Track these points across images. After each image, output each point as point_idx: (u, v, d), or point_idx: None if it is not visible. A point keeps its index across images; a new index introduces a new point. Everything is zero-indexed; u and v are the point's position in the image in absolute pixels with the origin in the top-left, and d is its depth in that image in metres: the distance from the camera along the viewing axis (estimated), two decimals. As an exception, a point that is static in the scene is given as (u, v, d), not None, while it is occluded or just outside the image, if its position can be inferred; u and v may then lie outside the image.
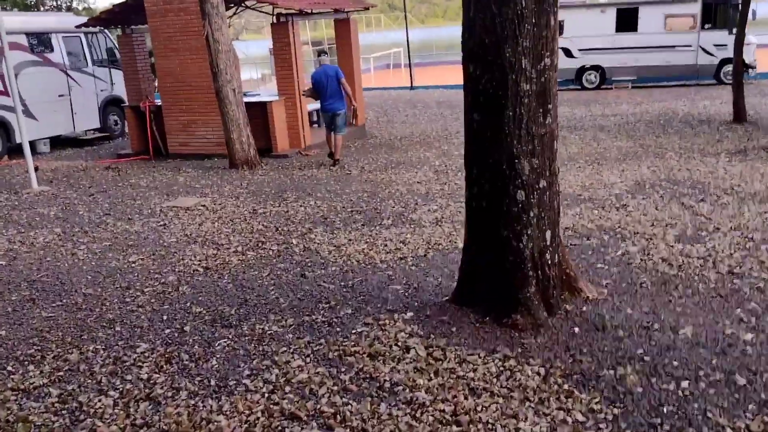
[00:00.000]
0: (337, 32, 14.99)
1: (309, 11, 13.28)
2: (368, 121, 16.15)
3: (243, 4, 13.19)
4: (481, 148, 4.43)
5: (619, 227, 6.69)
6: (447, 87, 25.70)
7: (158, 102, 13.62)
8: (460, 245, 6.31)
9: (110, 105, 16.42)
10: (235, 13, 14.33)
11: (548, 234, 4.54)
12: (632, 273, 5.42)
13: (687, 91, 20.06)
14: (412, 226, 7.25)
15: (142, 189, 10.17)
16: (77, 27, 15.11)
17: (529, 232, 4.41)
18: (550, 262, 4.55)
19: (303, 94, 12.46)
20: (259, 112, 12.67)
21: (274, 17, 12.64)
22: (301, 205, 8.53)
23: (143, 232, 7.66)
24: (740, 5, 13.32)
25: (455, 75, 30.39)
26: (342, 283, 5.55)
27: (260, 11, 13.47)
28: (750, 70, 20.47)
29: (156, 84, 14.29)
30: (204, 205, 8.80)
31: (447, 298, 4.96)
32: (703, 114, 15.25)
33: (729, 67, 20.51)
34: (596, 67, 21.69)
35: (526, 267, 4.43)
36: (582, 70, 21.80)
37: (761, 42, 21.85)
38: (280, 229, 7.44)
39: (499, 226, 4.43)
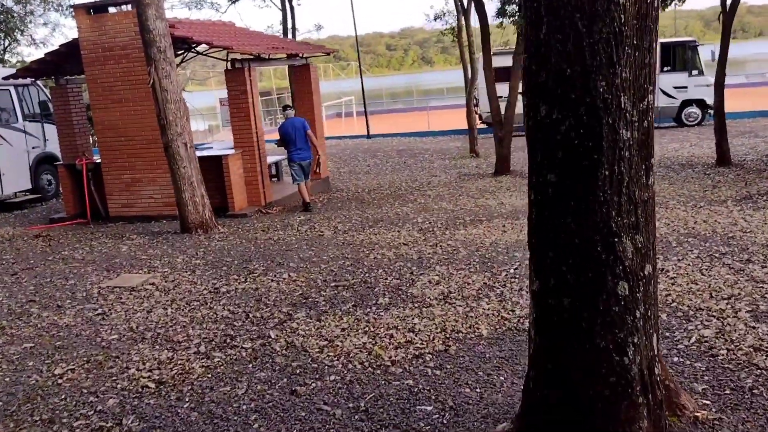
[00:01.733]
0: (296, 79, 13.66)
1: (267, 56, 11.95)
2: (330, 172, 14.77)
3: (194, 50, 11.75)
4: (560, 222, 3.07)
5: (672, 301, 5.40)
6: (404, 135, 24.65)
7: (97, 159, 11.95)
8: (485, 332, 4.94)
9: (43, 163, 14.57)
10: (183, 60, 12.87)
11: (655, 339, 3.19)
12: (727, 371, 4.10)
13: (651, 133, 19.43)
14: (416, 305, 5.81)
15: (76, 264, 8.44)
16: (5, 79, 13.39)
17: (635, 340, 3.04)
18: (658, 378, 3.19)
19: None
20: (212, 167, 11.15)
21: (229, 63, 11.24)
22: (272, 279, 6.99)
23: (76, 326, 5.98)
24: (720, 48, 12.63)
25: (409, 122, 29.52)
26: (350, 404, 4.03)
27: (213, 57, 12.05)
28: (711, 111, 20.06)
29: (94, 139, 12.63)
30: (153, 284, 7.17)
31: (506, 429, 3.51)
32: (680, 157, 14.44)
33: (690, 109, 20.13)
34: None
35: (634, 390, 3.04)
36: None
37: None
38: (251, 315, 5.89)
39: (593, 334, 3.05)
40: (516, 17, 12.66)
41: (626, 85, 2.92)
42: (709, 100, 19.84)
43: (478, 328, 5.13)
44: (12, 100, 14.04)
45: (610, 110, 2.91)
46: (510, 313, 5.44)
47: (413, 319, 5.46)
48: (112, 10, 11.68)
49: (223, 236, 9.46)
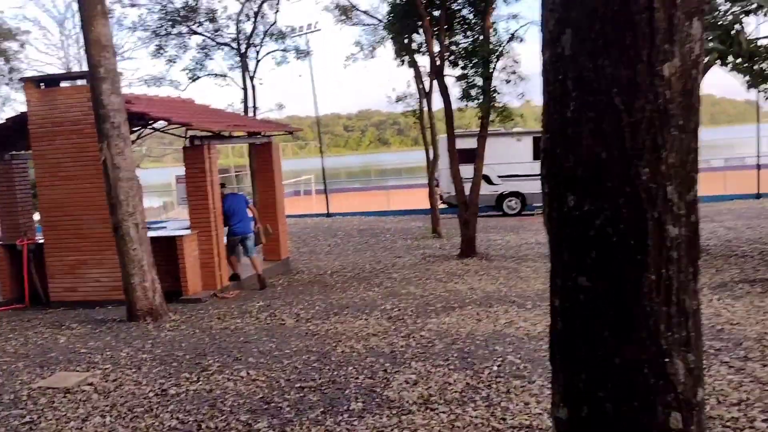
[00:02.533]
0: (258, 157, 13.14)
1: (227, 134, 11.43)
2: (290, 253, 14.07)
3: (151, 126, 11.15)
4: (596, 337, 2.49)
5: (678, 406, 4.83)
6: (365, 214, 24.24)
7: (40, 239, 11.03)
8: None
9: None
10: (139, 137, 12.24)
11: (710, 480, 2.58)
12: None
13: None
14: (394, 411, 5.08)
15: (7, 358, 7.45)
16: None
17: (691, 488, 2.43)
18: None
19: None
20: (165, 248, 10.37)
21: (187, 140, 10.66)
22: (228, 378, 6.17)
23: (-5, 440, 5.06)
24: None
25: (368, 201, 29.20)
26: None
27: (171, 134, 11.47)
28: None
29: (38, 218, 11.73)
30: (91, 384, 6.26)
31: None
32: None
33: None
34: (516, 194, 20.93)
35: None
36: (502, 197, 20.98)
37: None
38: (203, 426, 5.06)
39: (641, 478, 2.42)
40: (481, 100, 12.53)
41: (672, 173, 2.42)
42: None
43: (468, 443, 4.44)
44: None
45: (655, 202, 2.39)
46: (501, 422, 4.76)
47: (392, 430, 4.73)
48: (64, 84, 11.11)
49: (174, 325, 8.60)
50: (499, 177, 20.42)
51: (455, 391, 5.44)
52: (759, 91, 12.88)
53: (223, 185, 11.70)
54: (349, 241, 17.27)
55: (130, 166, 8.92)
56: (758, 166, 22.93)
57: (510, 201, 21.00)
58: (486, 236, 16.05)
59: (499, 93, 12.52)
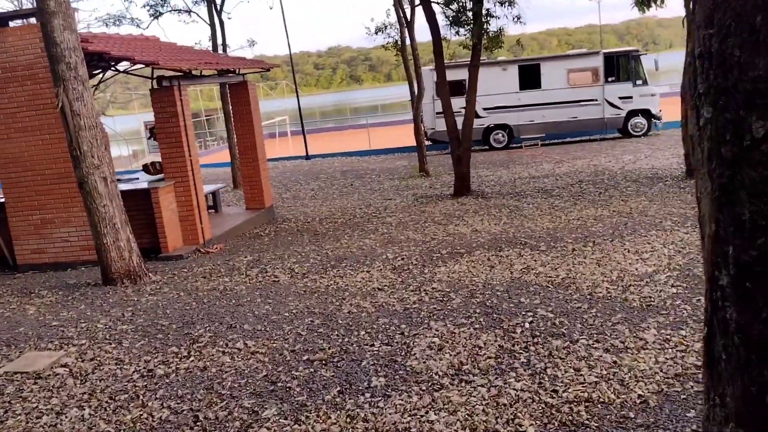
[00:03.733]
0: (233, 98, 11.99)
1: (199, 73, 10.28)
2: (273, 200, 13.14)
3: (113, 68, 9.94)
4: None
5: None
6: (345, 154, 23.20)
7: (1, 197, 9.94)
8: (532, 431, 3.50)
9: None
10: (101, 81, 11.02)
11: None
12: None
13: (600, 146, 18.69)
14: (423, 387, 4.31)
15: (-33, 336, 6.53)
16: None
17: None
18: None
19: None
20: (140, 202, 9.40)
21: (155, 81, 9.51)
22: (224, 352, 5.35)
23: (-49, 448, 4.20)
24: (685, 55, 11.75)
25: (347, 141, 28.08)
26: None
27: (136, 75, 10.28)
28: (657, 121, 19.57)
29: None
30: (66, 366, 5.40)
31: None
32: (642, 170, 13.55)
33: (636, 120, 19.54)
34: (503, 126, 20.02)
35: None
36: (489, 130, 20.05)
37: (663, 92, 21.20)
38: (201, 418, 4.25)
39: None
40: (472, 26, 11.46)
41: None
42: (654, 110, 19.37)
43: (521, 426, 3.70)
44: None
45: None
46: (553, 395, 4.03)
47: (426, 412, 3.97)
48: (14, 23, 9.82)
49: (155, 288, 7.71)
50: (485, 109, 19.41)
51: (489, 357, 4.68)
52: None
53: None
54: (333, 184, 16.34)
55: (92, 113, 7.82)
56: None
57: (497, 134, 20.10)
58: (476, 172, 15.22)
59: (493, 16, 11.44)
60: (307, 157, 23.16)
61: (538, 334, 5.03)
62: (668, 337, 4.69)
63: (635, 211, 9.35)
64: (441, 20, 12.33)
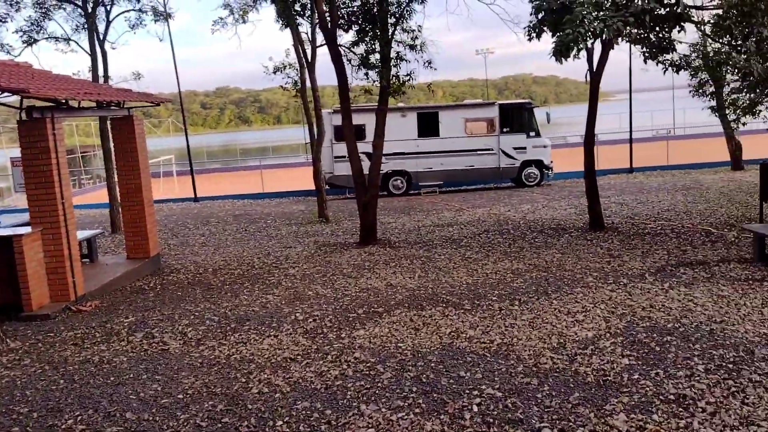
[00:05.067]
0: (117, 134, 10.60)
1: (77, 104, 8.92)
2: (160, 247, 11.73)
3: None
4: None
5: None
6: (237, 197, 21.90)
7: None
8: None
9: None
10: (-45, 107, 9.32)
11: None
12: None
13: (497, 194, 18.67)
14: (366, 502, 3.37)
15: None
16: None
17: None
18: None
19: None
20: (-2, 252, 7.84)
21: (23, 112, 8.08)
22: (99, 454, 4.13)
23: None
24: (588, 108, 11.83)
25: (237, 183, 26.71)
26: None
27: (3, 104, 8.74)
28: (549, 172, 19.92)
29: None
30: None
31: None
32: (544, 220, 13.42)
33: (530, 170, 19.80)
34: (402, 173, 19.63)
35: None
36: (387, 176, 19.58)
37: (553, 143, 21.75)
38: None
39: None
40: (381, 69, 10.89)
41: None
42: (546, 161, 19.72)
43: None
44: None
45: None
46: None
47: None
48: None
49: (13, 359, 6.23)
50: (385, 155, 18.94)
51: (441, 455, 3.82)
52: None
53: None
54: (225, 229, 15.06)
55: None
56: (630, 140, 23.30)
57: (396, 180, 19.67)
58: (378, 219, 14.51)
59: (403, 59, 10.93)
60: (196, 199, 21.62)
61: (491, 420, 4.24)
62: (641, 423, 4.05)
63: (552, 265, 8.94)
64: (346, 63, 11.68)
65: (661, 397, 4.38)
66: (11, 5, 15.97)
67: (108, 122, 12.60)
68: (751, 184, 16.75)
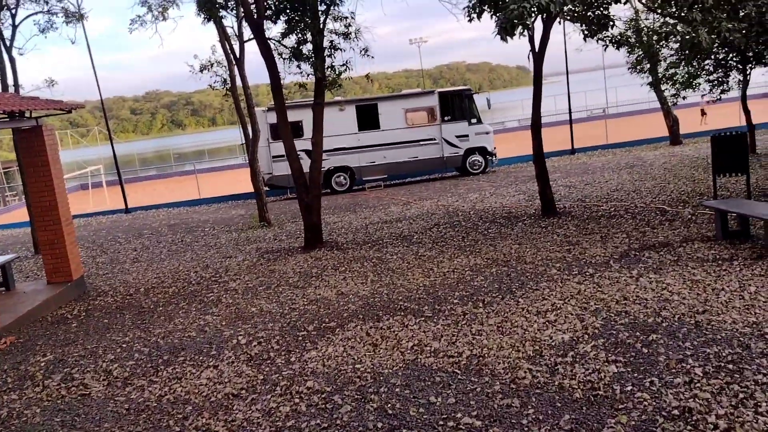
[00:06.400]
0: (23, 147, 9.45)
1: (-30, 115, 7.80)
2: (84, 268, 10.64)
3: None
4: None
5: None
6: (171, 205, 20.68)
7: None
8: None
9: None
10: None
11: None
12: None
13: (443, 185, 18.13)
14: None
15: None
16: None
17: None
18: None
19: None
20: None
21: None
22: None
23: None
24: (533, 90, 11.35)
25: (172, 190, 25.39)
26: None
27: None
28: (493, 158, 19.51)
29: None
30: None
31: None
32: (494, 209, 12.91)
33: (474, 158, 19.34)
34: (345, 169, 18.85)
35: None
36: (330, 173, 18.77)
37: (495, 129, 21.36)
38: None
39: None
40: (314, 60, 10.09)
41: None
42: (490, 148, 19.30)
43: None
44: None
45: None
46: None
47: None
48: None
49: None
50: (325, 152, 18.13)
51: None
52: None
53: None
54: (159, 241, 13.98)
55: None
56: (570, 121, 23.16)
57: (338, 176, 18.88)
58: (323, 219, 13.72)
59: (338, 49, 10.14)
60: (127, 210, 20.28)
61: (473, 460, 3.57)
62: (650, 449, 3.45)
63: (511, 258, 8.37)
64: (277, 57, 10.81)
65: (663, 412, 3.80)
66: None
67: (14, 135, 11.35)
68: (692, 158, 16.73)
